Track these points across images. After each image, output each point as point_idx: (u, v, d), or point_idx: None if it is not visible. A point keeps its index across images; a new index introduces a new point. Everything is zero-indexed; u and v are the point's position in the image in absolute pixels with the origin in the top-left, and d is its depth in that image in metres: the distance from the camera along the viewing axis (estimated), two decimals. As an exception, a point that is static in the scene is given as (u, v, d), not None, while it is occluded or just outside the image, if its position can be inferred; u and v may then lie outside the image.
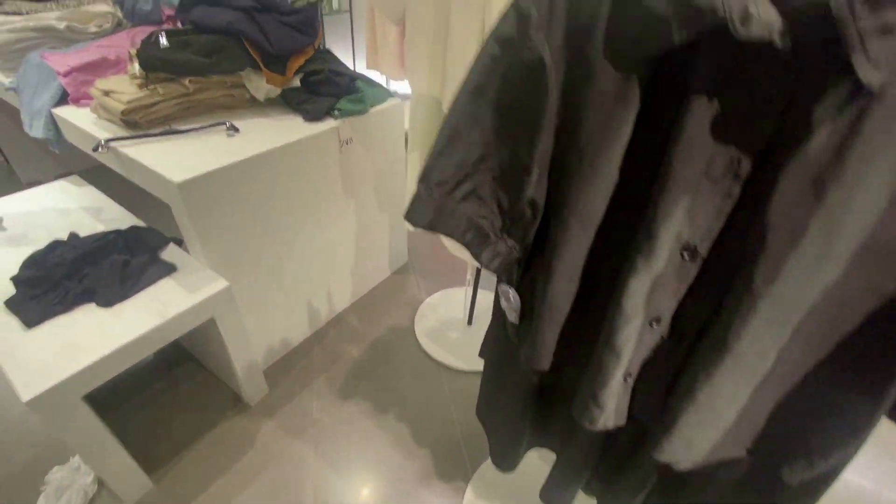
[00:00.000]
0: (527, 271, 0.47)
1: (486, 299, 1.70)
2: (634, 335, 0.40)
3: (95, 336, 0.92)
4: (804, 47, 0.26)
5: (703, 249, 0.35)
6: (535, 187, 0.39)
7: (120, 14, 1.66)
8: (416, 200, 0.43)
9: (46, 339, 0.91)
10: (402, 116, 1.51)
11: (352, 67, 3.61)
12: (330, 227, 1.42)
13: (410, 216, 0.45)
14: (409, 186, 1.25)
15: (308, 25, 1.30)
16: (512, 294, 0.49)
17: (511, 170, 0.39)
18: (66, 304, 0.97)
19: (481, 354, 0.96)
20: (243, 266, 1.20)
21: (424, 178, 0.42)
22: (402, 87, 3.29)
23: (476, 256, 0.44)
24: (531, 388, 0.65)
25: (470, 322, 1.59)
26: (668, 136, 0.31)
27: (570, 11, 0.32)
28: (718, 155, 0.30)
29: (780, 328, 0.33)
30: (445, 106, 0.97)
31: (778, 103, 0.28)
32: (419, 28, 0.92)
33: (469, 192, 0.41)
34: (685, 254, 0.35)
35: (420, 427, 1.29)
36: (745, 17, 0.25)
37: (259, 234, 1.20)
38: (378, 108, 1.41)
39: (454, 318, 1.63)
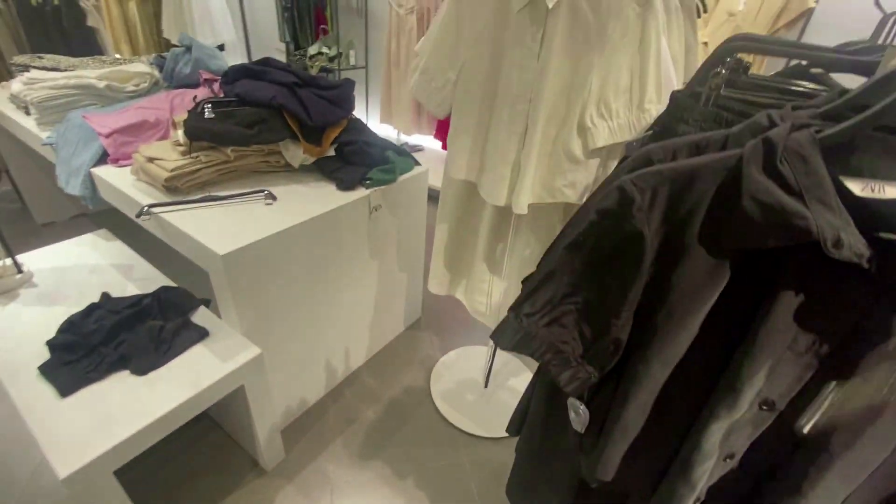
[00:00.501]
0: (599, 390, 0.50)
1: (500, 360, 1.71)
2: (709, 470, 0.43)
3: (130, 408, 0.92)
4: (889, 269, 0.30)
5: (781, 404, 0.38)
6: (621, 330, 0.42)
7: (157, 74, 1.74)
8: (506, 326, 0.47)
9: (81, 409, 0.91)
10: (426, 183, 1.58)
11: (365, 119, 3.75)
12: (353, 287, 1.45)
13: (498, 338, 0.48)
14: (436, 256, 1.29)
15: (345, 100, 1.38)
16: (582, 409, 0.51)
17: (599, 312, 0.42)
18: (101, 371, 0.98)
19: (511, 431, 0.97)
20: (271, 330, 1.21)
21: (516, 308, 0.46)
22: (412, 138, 3.40)
23: (555, 377, 0.47)
24: (579, 485, 0.66)
25: (486, 384, 1.59)
26: (752, 304, 0.35)
27: (671, 200, 0.37)
28: (802, 335, 0.34)
29: (852, 481, 0.36)
30: (482, 191, 1.03)
31: (859, 308, 0.32)
32: (464, 126, 0.98)
33: (554, 320, 0.45)
34: (764, 406, 0.38)
35: (438, 497, 1.27)
36: (837, 242, 0.30)
37: (288, 299, 1.22)
38: (405, 176, 1.47)
39: (470, 379, 1.63)
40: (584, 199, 0.94)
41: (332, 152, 1.38)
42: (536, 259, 1.16)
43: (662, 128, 0.52)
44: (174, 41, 3.48)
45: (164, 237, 1.16)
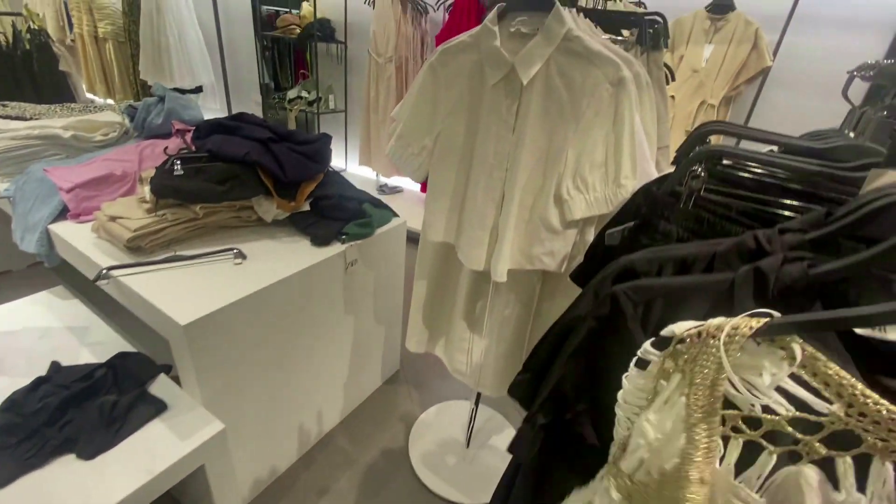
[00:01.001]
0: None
1: (482, 416, 1.65)
2: None
3: (72, 499, 0.83)
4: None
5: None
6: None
7: (128, 124, 1.70)
8: (522, 437, 0.46)
9: (18, 502, 0.82)
10: (403, 235, 1.55)
11: (344, 163, 3.75)
12: (327, 345, 1.39)
13: (517, 450, 0.48)
14: (414, 313, 1.25)
15: (321, 154, 1.36)
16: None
17: (605, 414, 0.41)
18: (43, 456, 0.88)
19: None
20: (238, 397, 1.13)
21: (530, 419, 0.45)
22: (392, 180, 3.40)
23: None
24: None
25: (468, 443, 1.52)
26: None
27: (663, 317, 0.35)
28: None
29: None
30: (460, 254, 1.00)
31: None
32: (441, 190, 0.97)
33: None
34: None
35: (418, 577, 1.18)
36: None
37: (256, 363, 1.15)
38: (383, 228, 1.44)
39: (451, 438, 1.56)
40: (564, 268, 0.94)
41: (306, 207, 1.34)
42: (517, 318, 1.15)
43: (643, 221, 0.51)
44: (151, 83, 3.47)
45: (123, 302, 1.09)
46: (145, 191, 1.18)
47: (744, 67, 2.04)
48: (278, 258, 1.20)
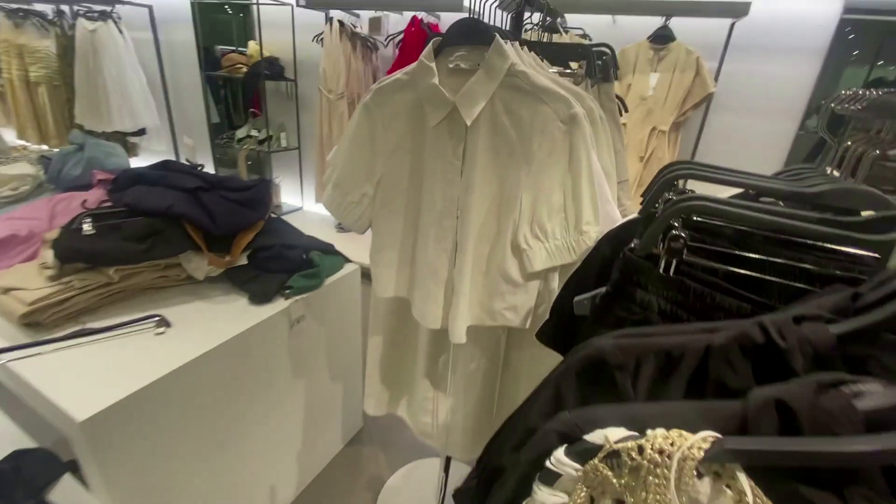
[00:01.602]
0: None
1: (457, 474, 1.50)
2: None
3: None
4: None
5: None
6: None
7: (43, 175, 1.53)
8: None
9: None
10: (357, 282, 1.43)
11: (300, 203, 3.62)
12: (275, 413, 1.23)
13: None
14: (371, 372, 1.12)
15: (258, 201, 1.24)
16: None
17: None
18: None
19: None
20: (163, 491, 0.96)
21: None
22: (351, 217, 3.29)
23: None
24: None
25: (441, 510, 1.37)
26: None
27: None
28: None
29: None
30: (415, 311, 0.89)
31: None
32: (387, 241, 0.87)
33: None
34: None
35: None
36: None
37: (186, 452, 0.99)
38: (334, 277, 1.31)
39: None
40: (529, 323, 0.85)
41: (244, 260, 1.21)
42: (484, 373, 1.03)
43: (616, 289, 0.42)
44: (89, 127, 3.27)
45: (15, 391, 0.92)
46: (48, 256, 1.02)
47: (689, 94, 2.07)
48: (210, 322, 1.05)
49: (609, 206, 0.72)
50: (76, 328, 0.98)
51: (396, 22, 2.63)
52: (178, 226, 1.10)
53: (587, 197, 0.72)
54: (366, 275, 1.45)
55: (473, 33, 0.71)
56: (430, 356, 1.05)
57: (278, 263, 1.20)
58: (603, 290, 0.44)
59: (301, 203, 3.45)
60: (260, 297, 1.14)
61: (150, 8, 3.34)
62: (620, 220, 0.71)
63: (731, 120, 2.22)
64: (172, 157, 3.84)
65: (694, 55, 2.03)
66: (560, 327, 0.69)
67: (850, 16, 1.99)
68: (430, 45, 0.74)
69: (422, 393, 1.09)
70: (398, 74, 0.78)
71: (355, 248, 1.45)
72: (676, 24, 2.10)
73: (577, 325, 0.66)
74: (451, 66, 0.75)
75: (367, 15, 2.66)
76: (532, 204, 0.74)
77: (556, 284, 0.79)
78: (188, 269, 1.15)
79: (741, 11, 1.91)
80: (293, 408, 1.30)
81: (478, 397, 1.01)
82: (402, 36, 2.47)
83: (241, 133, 3.18)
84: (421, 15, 2.40)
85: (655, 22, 2.12)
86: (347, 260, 1.40)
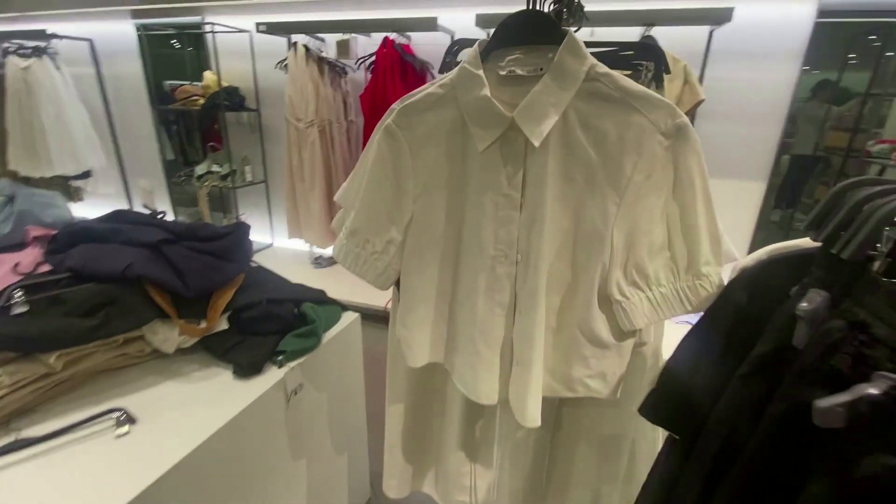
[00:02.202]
0: None
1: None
2: None
3: None
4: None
5: None
6: None
7: (-37, 236, 1.27)
8: None
9: None
10: (359, 333, 1.24)
11: (270, 240, 3.39)
12: (269, 497, 1.01)
13: None
14: (391, 450, 0.93)
15: (236, 251, 1.04)
16: None
17: None
18: None
19: None
20: None
21: None
22: (329, 250, 3.07)
23: None
24: None
25: None
26: None
27: None
28: None
29: None
30: (460, 382, 0.71)
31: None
32: (420, 295, 0.70)
33: None
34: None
35: None
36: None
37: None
38: (332, 331, 1.12)
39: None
40: (620, 392, 0.69)
41: (224, 324, 1.00)
42: (536, 441, 0.85)
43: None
44: (25, 173, 2.94)
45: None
46: (-34, 344, 0.79)
47: (679, 102, 2.03)
48: (187, 410, 0.84)
49: (727, 243, 0.58)
50: (6, 439, 0.75)
51: (366, 44, 2.50)
52: (139, 291, 0.89)
53: (704, 229, 0.57)
54: (367, 319, 1.26)
55: (534, 30, 0.57)
56: (465, 422, 0.88)
57: (266, 324, 1.00)
58: (872, 390, 0.29)
59: (271, 240, 3.21)
60: (247, 369, 0.93)
61: (90, 42, 3.09)
62: (737, 257, 0.57)
63: (717, 127, 2.20)
64: (124, 201, 3.52)
65: (681, 63, 1.99)
66: (675, 401, 0.55)
67: (824, 20, 2.01)
68: (474, 47, 0.59)
69: (455, 467, 0.91)
70: (430, 87, 0.62)
71: (339, 285, 1.27)
72: (656, 32, 2.07)
73: (698, 394, 0.51)
74: (502, 73, 0.60)
75: (333, 38, 2.52)
76: (627, 242, 0.59)
77: (652, 338, 0.63)
78: (154, 343, 0.94)
79: (724, 18, 1.89)
80: (294, 490, 1.08)
81: (528, 469, 0.84)
82: (373, 58, 2.34)
83: (200, 169, 2.93)
84: (393, 36, 2.28)
85: (636, 32, 2.07)
86: (344, 308, 1.21)
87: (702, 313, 0.57)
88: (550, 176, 0.59)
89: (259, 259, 2.96)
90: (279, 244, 3.18)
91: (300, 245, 2.96)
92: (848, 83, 2.12)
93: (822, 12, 1.99)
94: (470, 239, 0.65)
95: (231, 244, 1.03)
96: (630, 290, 0.60)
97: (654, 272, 0.60)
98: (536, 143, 0.57)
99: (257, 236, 3.19)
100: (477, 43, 0.59)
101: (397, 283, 0.70)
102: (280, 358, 0.98)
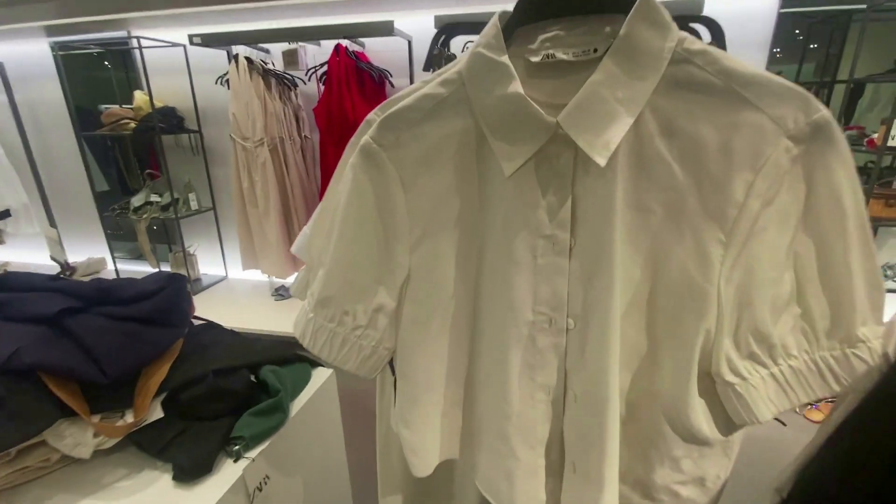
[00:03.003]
0: None
1: None
2: None
3: None
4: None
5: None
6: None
7: None
8: None
9: None
10: (335, 392, 1.04)
11: (224, 272, 3.11)
12: None
13: None
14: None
15: (171, 312, 0.82)
16: None
17: None
18: None
19: None
20: None
21: None
22: (291, 279, 2.82)
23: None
24: None
25: None
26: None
27: None
28: None
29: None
30: (482, 483, 0.53)
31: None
32: (424, 382, 0.51)
33: None
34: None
35: None
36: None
37: None
38: (303, 396, 0.92)
39: None
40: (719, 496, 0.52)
41: (158, 411, 0.78)
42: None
43: None
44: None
45: None
46: None
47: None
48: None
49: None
50: None
51: (316, 54, 2.30)
52: (32, 385, 0.66)
53: (858, 272, 0.41)
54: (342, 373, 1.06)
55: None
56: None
57: (215, 404, 0.79)
58: None
59: (224, 272, 2.92)
60: (191, 471, 0.72)
61: (-1, 65, 2.73)
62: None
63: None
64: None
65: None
66: None
67: (787, 9, 1.99)
68: (492, 22, 0.42)
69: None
70: (426, 87, 0.45)
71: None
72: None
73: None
74: (535, 59, 0.42)
75: (279, 48, 2.30)
76: (740, 297, 0.42)
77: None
78: (62, 449, 0.71)
79: (696, 9, 1.82)
80: None
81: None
82: (325, 68, 2.14)
83: (137, 200, 2.63)
84: (345, 43, 2.09)
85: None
86: (315, 364, 1.01)
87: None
88: (620, 206, 0.41)
89: (213, 294, 2.64)
90: (235, 276, 2.89)
91: (258, 276, 2.70)
92: (807, 74, 2.12)
93: (785, 2, 1.97)
94: (495, 300, 0.47)
95: (163, 304, 0.81)
96: (747, 365, 0.43)
97: (781, 338, 0.42)
98: (602, 162, 0.39)
99: (209, 269, 2.89)
100: (496, 15, 0.42)
101: (390, 363, 0.52)
102: (236, 448, 0.76)
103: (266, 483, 0.80)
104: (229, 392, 0.80)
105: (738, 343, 0.43)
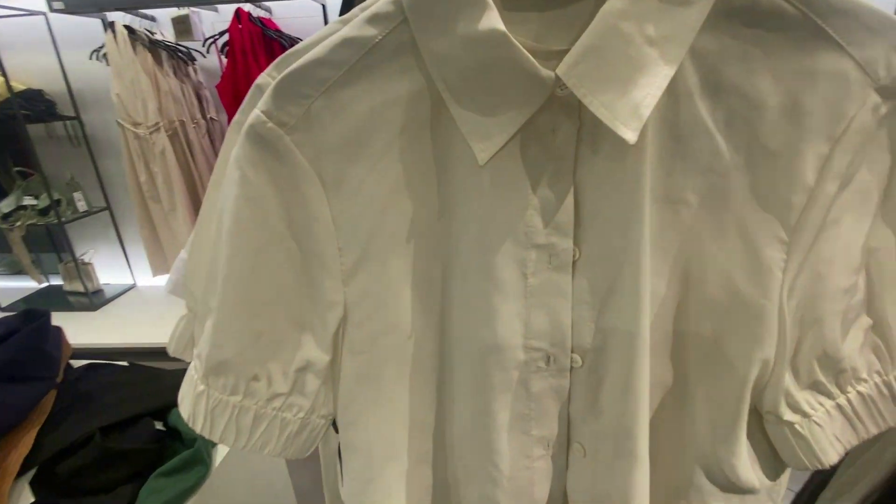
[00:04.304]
0: None
1: None
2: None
3: None
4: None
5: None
6: None
7: None
8: None
9: None
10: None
11: (131, 280, 2.74)
12: None
13: None
14: None
15: (34, 360, 0.62)
16: None
17: None
18: None
19: None
20: None
21: None
22: (211, 281, 2.53)
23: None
24: None
25: None
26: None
27: None
28: None
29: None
30: None
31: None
32: (383, 448, 0.38)
33: None
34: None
35: None
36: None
37: None
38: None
39: None
40: None
41: (26, 495, 0.59)
42: None
43: None
44: None
45: None
46: None
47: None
48: None
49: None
50: None
51: (213, 21, 1.99)
52: None
53: None
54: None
55: None
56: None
57: (106, 474, 0.62)
58: None
59: (132, 279, 2.56)
60: (82, 567, 0.55)
61: None
62: None
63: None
64: None
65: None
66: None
67: None
68: None
69: None
70: (345, 29, 0.30)
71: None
72: None
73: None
74: None
75: (166, 15, 1.96)
76: (803, 313, 0.33)
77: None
78: None
79: None
80: None
81: None
82: (226, 37, 1.86)
83: (6, 205, 2.20)
84: (248, 7, 1.82)
85: None
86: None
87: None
88: (644, 198, 0.30)
89: (119, 307, 2.34)
90: (144, 283, 2.54)
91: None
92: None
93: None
94: (470, 336, 0.35)
95: (18, 352, 0.61)
96: (808, 398, 0.33)
97: (850, 360, 0.33)
98: (632, 136, 0.27)
99: (112, 278, 2.52)
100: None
101: (334, 424, 0.39)
102: (142, 522, 0.60)
103: (189, 555, 0.64)
104: (125, 453, 0.63)
105: (798, 371, 0.34)
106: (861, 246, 0.32)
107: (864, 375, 0.35)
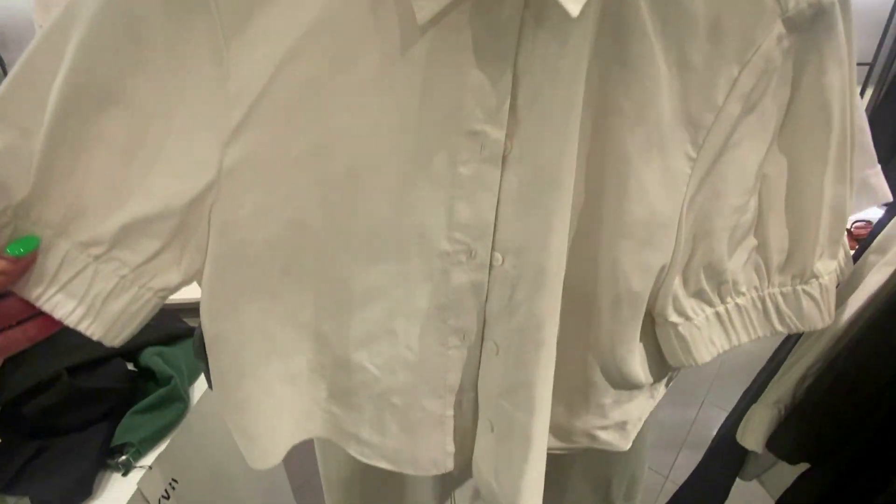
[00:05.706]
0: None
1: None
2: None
3: None
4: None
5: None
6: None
7: None
8: None
9: None
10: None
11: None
12: None
13: None
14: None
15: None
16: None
17: None
18: None
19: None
20: None
21: None
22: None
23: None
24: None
25: None
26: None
27: None
28: None
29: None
30: (367, 454, 0.40)
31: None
32: (258, 352, 0.36)
33: None
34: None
35: None
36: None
37: None
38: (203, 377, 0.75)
39: None
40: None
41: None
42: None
43: None
44: None
45: None
46: None
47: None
48: None
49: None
50: None
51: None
52: None
53: (828, 199, 0.34)
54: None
55: None
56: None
57: (76, 413, 0.60)
58: None
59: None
60: (62, 501, 0.54)
61: None
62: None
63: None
64: None
65: None
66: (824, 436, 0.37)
67: None
68: None
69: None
70: None
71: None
72: None
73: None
74: None
75: None
76: (699, 226, 0.34)
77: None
78: None
79: None
80: None
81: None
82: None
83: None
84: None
85: None
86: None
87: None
88: (581, 88, 0.28)
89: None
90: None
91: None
92: None
93: None
94: (390, 224, 0.33)
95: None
96: (692, 304, 0.36)
97: (733, 274, 0.36)
98: (574, 9, 0.24)
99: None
100: None
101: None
102: (123, 458, 0.59)
103: (174, 487, 0.65)
104: (96, 392, 0.61)
105: (688, 279, 0.36)
106: (756, 170, 0.33)
107: (744, 290, 0.38)
